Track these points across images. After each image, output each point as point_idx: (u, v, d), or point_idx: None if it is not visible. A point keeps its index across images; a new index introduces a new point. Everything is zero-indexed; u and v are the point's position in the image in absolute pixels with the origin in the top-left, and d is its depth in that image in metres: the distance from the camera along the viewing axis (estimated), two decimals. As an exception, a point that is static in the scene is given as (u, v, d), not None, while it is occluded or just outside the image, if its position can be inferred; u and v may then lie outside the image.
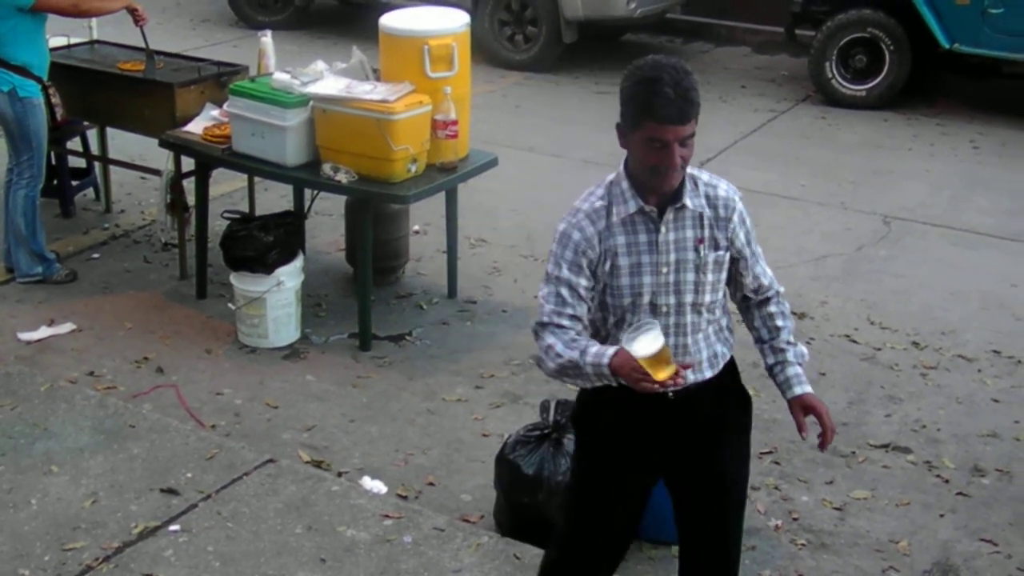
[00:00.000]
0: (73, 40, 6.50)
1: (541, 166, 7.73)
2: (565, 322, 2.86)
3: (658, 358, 2.70)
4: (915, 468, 4.65)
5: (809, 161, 8.22)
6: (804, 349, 3.14)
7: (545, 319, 2.89)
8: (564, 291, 2.87)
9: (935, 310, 6.01)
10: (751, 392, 5.07)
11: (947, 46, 8.99)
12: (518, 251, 6.51)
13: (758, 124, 9.02)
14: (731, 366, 3.11)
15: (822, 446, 3.09)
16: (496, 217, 6.92)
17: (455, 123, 5.24)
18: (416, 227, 6.53)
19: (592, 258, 2.87)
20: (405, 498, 4.33)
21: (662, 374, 2.70)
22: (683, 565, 3.29)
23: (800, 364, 3.10)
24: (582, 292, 2.88)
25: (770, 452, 4.70)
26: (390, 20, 5.33)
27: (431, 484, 4.45)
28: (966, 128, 9.04)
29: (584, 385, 2.89)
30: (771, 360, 3.12)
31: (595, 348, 2.79)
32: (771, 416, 4.94)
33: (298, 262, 5.48)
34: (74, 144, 6.78)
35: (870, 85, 9.39)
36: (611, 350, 2.76)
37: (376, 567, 3.81)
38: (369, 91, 5.12)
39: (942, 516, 4.36)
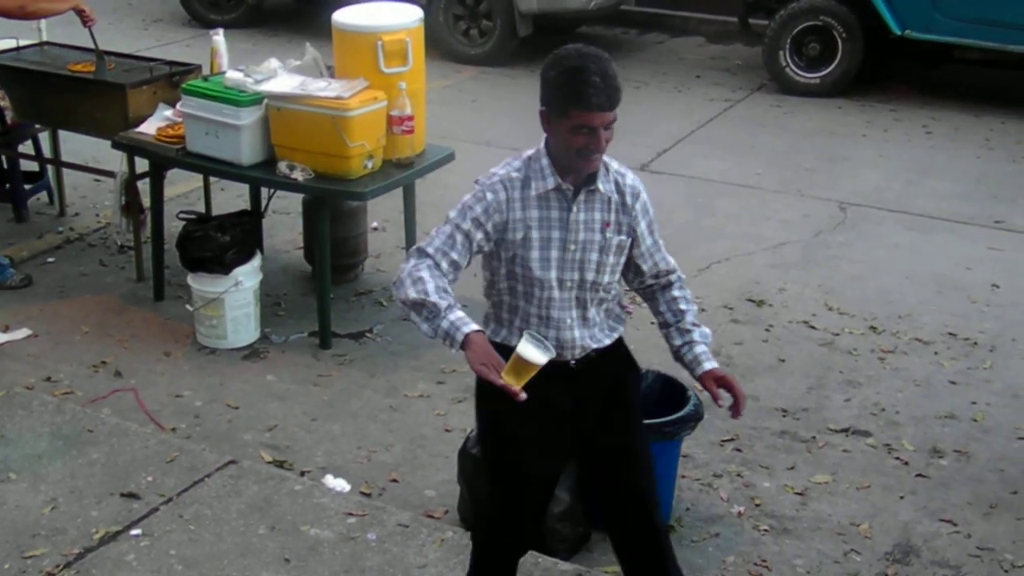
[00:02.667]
0: (22, 42, 6.41)
1: (499, 160, 7.64)
2: (444, 264, 2.99)
3: (525, 369, 2.84)
4: (875, 451, 4.70)
5: (765, 149, 8.27)
6: (708, 331, 3.26)
7: (430, 250, 3.01)
8: (459, 237, 3.00)
9: (892, 294, 6.07)
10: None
11: (898, 33, 9.07)
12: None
13: (714, 113, 9.06)
14: (622, 343, 3.26)
15: (735, 413, 3.20)
16: (444, 218, 6.89)
17: (411, 118, 5.22)
18: (374, 224, 6.51)
19: (497, 221, 3.01)
20: (368, 495, 4.32)
21: (511, 379, 2.81)
22: (614, 541, 3.36)
23: (705, 344, 3.22)
24: (473, 247, 3.02)
25: (731, 439, 4.73)
26: (343, 16, 5.30)
27: (394, 481, 4.45)
28: (919, 114, 9.13)
29: (423, 329, 2.94)
30: (678, 342, 3.24)
31: (460, 314, 2.90)
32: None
33: (256, 261, 5.44)
34: (26, 147, 6.68)
35: (824, 73, 9.46)
36: (472, 326, 2.88)
37: (340, 565, 3.80)
38: (323, 88, 5.09)
39: (902, 498, 4.41)
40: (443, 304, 2.89)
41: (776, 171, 7.83)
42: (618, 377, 3.23)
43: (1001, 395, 5.12)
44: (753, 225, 6.91)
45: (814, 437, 4.78)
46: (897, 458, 4.65)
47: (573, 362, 3.12)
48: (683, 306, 3.24)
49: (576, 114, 2.87)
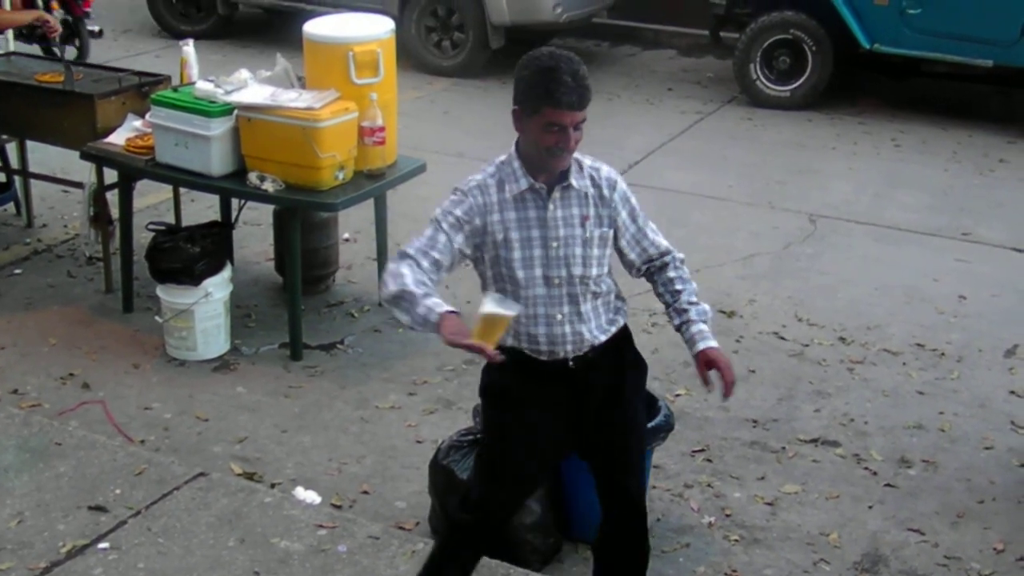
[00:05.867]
0: (-11, 53, 6.39)
1: (470, 171, 7.69)
2: (425, 262, 3.05)
3: (494, 324, 2.88)
4: (844, 461, 4.73)
5: (736, 161, 8.32)
6: (707, 307, 3.31)
7: (411, 251, 3.09)
8: (441, 237, 3.08)
9: (860, 305, 6.11)
10: (682, 391, 5.18)
11: (867, 46, 9.15)
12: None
13: (685, 126, 9.11)
14: (625, 332, 3.30)
15: (726, 394, 3.28)
16: (426, 223, 6.88)
17: (382, 129, 5.22)
18: (345, 235, 6.49)
19: (477, 225, 3.08)
20: (339, 507, 4.30)
21: (484, 338, 2.86)
22: (604, 520, 3.47)
23: (704, 321, 3.27)
24: (454, 247, 3.08)
25: (702, 450, 4.75)
26: (314, 27, 5.30)
27: (365, 492, 4.43)
28: (888, 127, 9.21)
29: (404, 321, 3.03)
30: (676, 321, 3.31)
31: (435, 299, 2.98)
32: (703, 415, 4.99)
33: (226, 273, 5.42)
34: (-7, 158, 6.65)
35: (794, 86, 9.53)
36: (446, 307, 2.95)
37: (311, 578, 3.79)
38: (294, 99, 5.08)
39: (871, 508, 4.43)
40: (419, 292, 2.97)
41: (746, 183, 7.87)
42: (617, 375, 3.25)
43: (968, 405, 5.16)
44: (724, 237, 6.94)
45: (784, 447, 4.80)
46: (866, 468, 4.68)
47: (571, 361, 3.16)
48: (679, 286, 3.29)
49: (548, 111, 2.95)
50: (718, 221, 7.20)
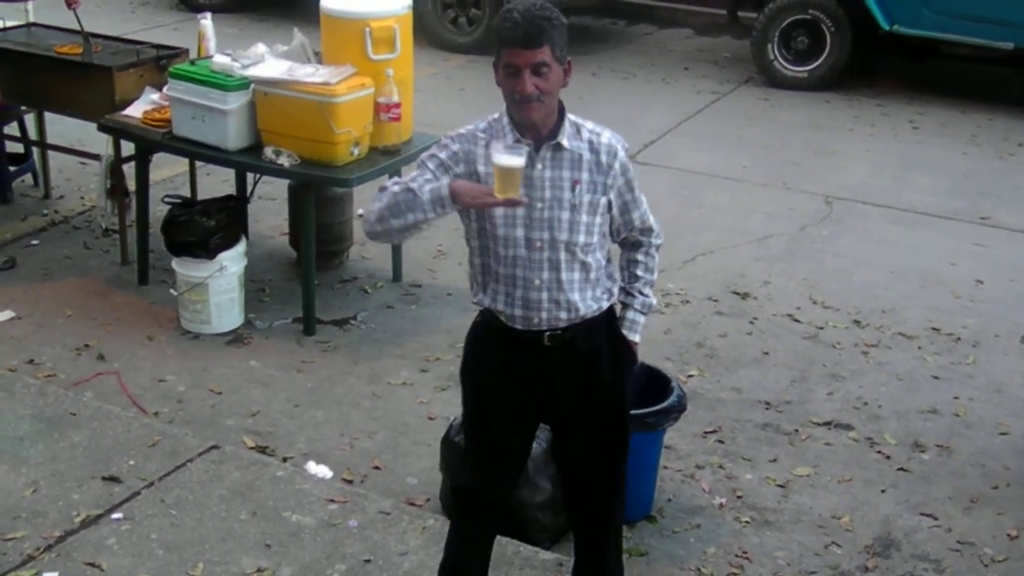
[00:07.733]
0: (8, 23, 6.37)
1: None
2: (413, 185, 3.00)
3: (511, 175, 2.82)
4: (857, 445, 4.72)
5: (752, 142, 8.28)
6: (653, 301, 3.32)
7: (390, 184, 3.05)
8: (426, 174, 3.01)
9: (876, 288, 6.08)
10: (695, 372, 5.18)
11: (887, 27, 9.10)
12: (462, 234, 6.47)
13: (701, 106, 9.07)
14: (611, 315, 3.22)
15: None
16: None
17: (398, 106, 5.21)
18: (360, 211, 6.48)
19: (461, 172, 3.00)
20: (351, 482, 4.31)
21: (505, 192, 2.83)
22: (568, 507, 3.50)
23: (644, 313, 3.27)
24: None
25: (714, 431, 4.74)
26: (331, 2, 5.28)
27: (377, 468, 4.44)
28: (906, 108, 9.15)
29: (412, 220, 2.96)
30: (621, 298, 3.28)
31: (433, 181, 2.95)
32: (715, 396, 4.99)
33: (241, 247, 5.42)
34: (11, 129, 6.64)
35: (812, 67, 9.48)
36: (447, 177, 2.95)
37: (322, 552, 3.80)
38: (311, 74, 5.07)
39: (883, 491, 4.42)
40: (413, 185, 2.95)
41: (762, 164, 7.84)
42: (596, 358, 3.15)
43: (983, 390, 5.15)
44: (739, 218, 6.92)
45: (797, 430, 4.79)
46: (879, 452, 4.67)
47: (547, 339, 3.06)
48: (639, 272, 3.27)
49: (503, 53, 2.90)
50: (733, 202, 7.17)
